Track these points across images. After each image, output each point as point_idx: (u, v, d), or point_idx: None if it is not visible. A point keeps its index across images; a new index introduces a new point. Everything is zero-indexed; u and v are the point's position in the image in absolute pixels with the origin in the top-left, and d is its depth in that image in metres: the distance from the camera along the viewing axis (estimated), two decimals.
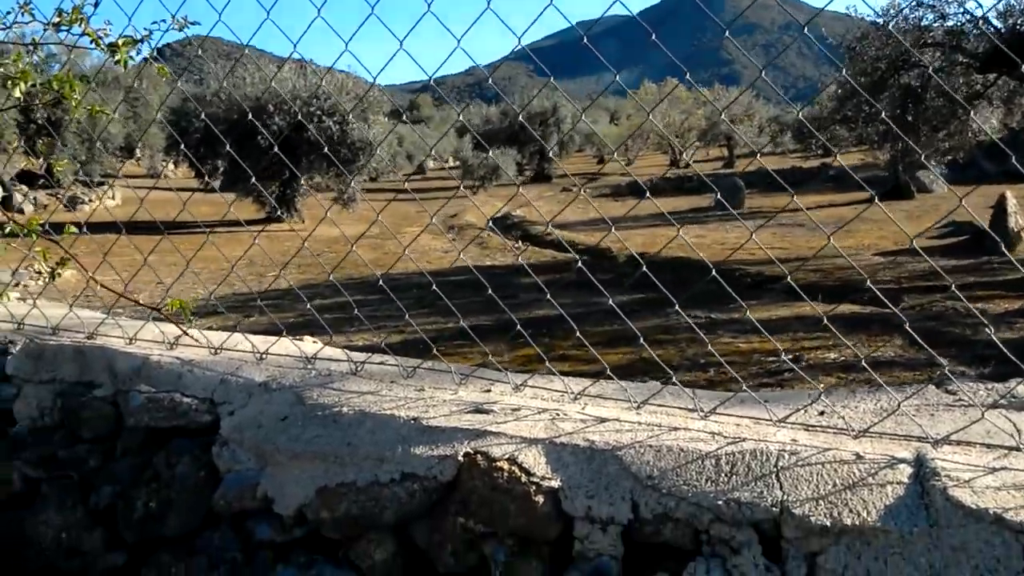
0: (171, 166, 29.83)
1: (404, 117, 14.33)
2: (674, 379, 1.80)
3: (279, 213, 16.03)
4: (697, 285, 2.52)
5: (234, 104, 16.37)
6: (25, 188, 19.38)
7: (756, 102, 39.61)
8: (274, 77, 15.43)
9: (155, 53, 2.59)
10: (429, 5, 2.06)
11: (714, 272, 1.82)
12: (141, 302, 2.56)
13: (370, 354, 2.13)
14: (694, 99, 36.26)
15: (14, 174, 19.21)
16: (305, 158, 16.35)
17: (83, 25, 2.25)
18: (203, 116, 11.05)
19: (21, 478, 2.14)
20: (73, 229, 2.36)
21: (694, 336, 6.66)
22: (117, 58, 2.22)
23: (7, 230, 2.43)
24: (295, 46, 2.28)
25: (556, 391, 1.92)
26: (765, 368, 5.78)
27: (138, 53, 2.51)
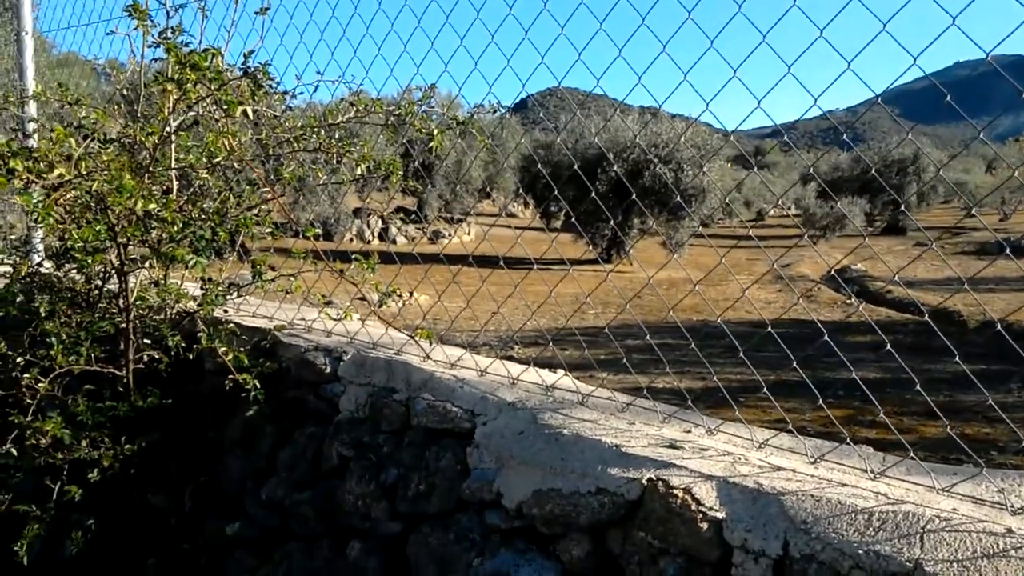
0: (521, 206, 32.92)
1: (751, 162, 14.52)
2: (848, 440, 1.94)
3: (604, 255, 17.06)
4: None
5: (578, 151, 17.82)
6: (399, 222, 22.78)
7: None
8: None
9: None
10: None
11: None
12: (399, 328, 3.19)
13: (595, 388, 2.52)
14: None
15: (392, 209, 22.68)
16: (638, 203, 17.19)
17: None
18: (538, 165, 12.28)
19: (337, 455, 2.84)
20: (365, 261, 3.05)
21: None
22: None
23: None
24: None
25: (746, 439, 2.15)
26: None
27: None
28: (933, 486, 1.79)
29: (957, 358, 1.71)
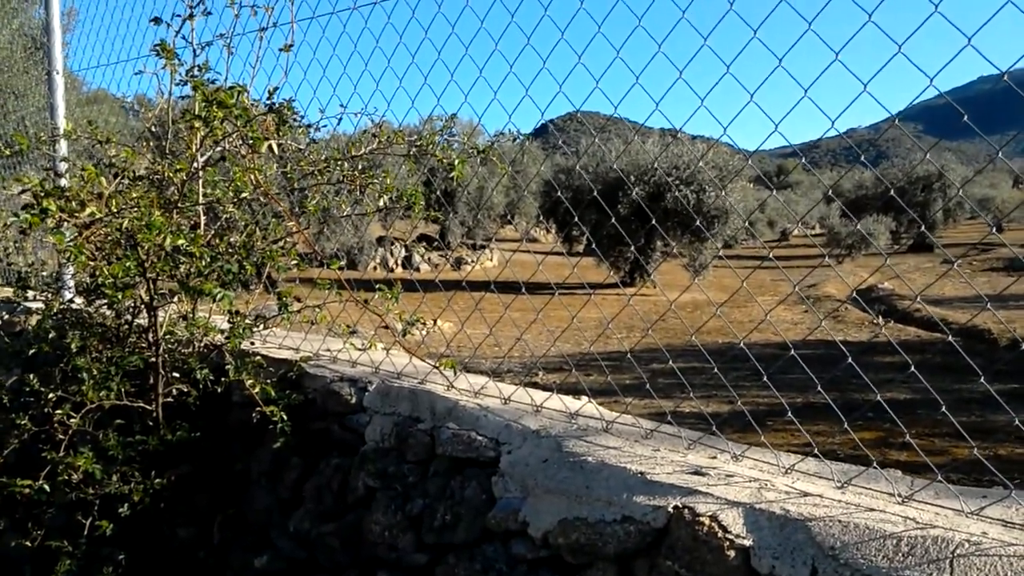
0: (543, 232, 33.05)
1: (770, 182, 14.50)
2: (874, 464, 1.93)
3: (627, 278, 17.02)
4: None
5: (599, 175, 17.87)
6: (422, 249, 22.92)
7: None
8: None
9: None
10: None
11: None
12: (422, 357, 3.19)
13: (619, 414, 2.52)
14: None
15: (415, 236, 22.85)
16: (660, 226, 17.26)
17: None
18: (558, 191, 12.33)
19: (363, 486, 2.85)
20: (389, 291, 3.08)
21: None
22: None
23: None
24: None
25: (772, 464, 2.13)
26: None
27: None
28: (962, 510, 1.77)
29: (983, 379, 1.70)
